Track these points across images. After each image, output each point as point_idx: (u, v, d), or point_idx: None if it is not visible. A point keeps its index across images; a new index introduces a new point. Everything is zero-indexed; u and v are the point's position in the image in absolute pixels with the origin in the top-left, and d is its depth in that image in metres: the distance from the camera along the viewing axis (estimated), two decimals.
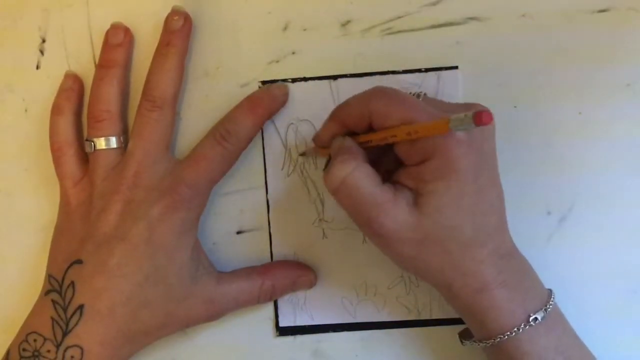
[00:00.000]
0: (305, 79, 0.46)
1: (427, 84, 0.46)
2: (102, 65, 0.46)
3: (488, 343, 0.40)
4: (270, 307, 0.47)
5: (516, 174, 0.45)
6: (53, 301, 0.42)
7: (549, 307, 0.40)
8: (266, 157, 0.47)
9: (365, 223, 0.39)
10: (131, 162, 0.44)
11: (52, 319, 0.42)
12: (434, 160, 0.38)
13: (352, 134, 0.41)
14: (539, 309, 0.39)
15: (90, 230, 0.43)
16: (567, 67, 0.46)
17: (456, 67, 0.46)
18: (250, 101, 0.45)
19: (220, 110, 0.46)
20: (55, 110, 0.46)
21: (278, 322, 0.47)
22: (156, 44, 0.45)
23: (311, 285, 0.47)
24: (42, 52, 0.48)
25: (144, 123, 0.44)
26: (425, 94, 0.41)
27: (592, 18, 0.45)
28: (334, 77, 0.46)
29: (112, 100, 0.45)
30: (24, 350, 0.42)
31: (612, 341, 0.42)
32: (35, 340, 0.42)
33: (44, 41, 0.48)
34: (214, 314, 0.45)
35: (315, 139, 0.43)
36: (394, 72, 0.46)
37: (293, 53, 0.47)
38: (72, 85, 0.46)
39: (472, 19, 0.46)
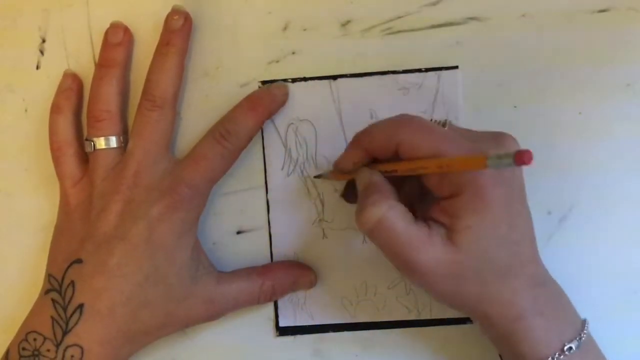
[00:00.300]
0: (305, 79, 0.46)
1: (427, 84, 0.46)
2: (102, 65, 0.46)
3: None
4: (270, 307, 0.47)
5: None
6: (53, 300, 0.42)
7: (583, 336, 0.39)
8: (266, 157, 0.47)
9: (403, 262, 0.39)
10: (131, 162, 0.44)
11: (52, 318, 0.42)
12: (466, 195, 0.37)
13: (374, 160, 0.41)
14: (573, 337, 0.39)
15: (90, 230, 0.43)
16: (567, 67, 0.46)
17: (456, 67, 0.46)
18: (250, 101, 0.45)
19: (220, 110, 0.46)
20: (55, 109, 0.46)
21: (278, 322, 0.47)
22: (156, 44, 0.45)
23: (311, 285, 0.47)
24: (42, 52, 0.48)
25: (144, 123, 0.44)
26: (450, 122, 0.41)
27: (592, 18, 0.45)
28: (334, 77, 0.46)
29: (112, 99, 0.45)
30: (23, 349, 0.42)
31: (612, 341, 0.42)
32: (35, 340, 0.42)
33: (44, 41, 0.48)
34: (214, 314, 0.45)
35: (337, 165, 0.43)
36: (394, 72, 0.46)
37: (293, 53, 0.47)
38: (71, 85, 0.46)
39: (472, 19, 0.46)
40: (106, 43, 0.46)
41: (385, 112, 0.45)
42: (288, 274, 0.46)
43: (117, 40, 0.46)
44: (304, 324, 0.47)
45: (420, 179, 0.40)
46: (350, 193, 0.45)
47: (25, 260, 0.48)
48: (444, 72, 0.46)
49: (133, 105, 0.47)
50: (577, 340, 0.39)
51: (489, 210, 0.37)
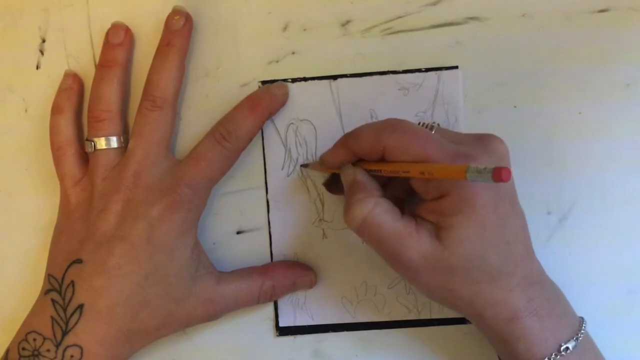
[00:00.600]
0: (305, 79, 0.46)
1: (427, 84, 0.46)
2: (103, 65, 0.46)
3: None
4: (270, 307, 0.47)
5: (516, 174, 0.44)
6: (53, 300, 0.42)
7: (580, 336, 0.39)
8: (266, 157, 0.47)
9: (392, 257, 0.39)
10: (131, 162, 0.44)
11: (52, 318, 0.42)
12: (451, 197, 0.38)
13: (361, 159, 0.41)
14: (570, 337, 0.39)
15: (90, 229, 0.43)
16: (567, 67, 0.46)
17: (456, 67, 0.46)
18: (250, 101, 0.45)
19: (220, 110, 0.46)
20: (56, 109, 0.46)
21: (278, 322, 0.47)
22: (156, 44, 0.45)
23: (311, 285, 0.47)
24: (42, 52, 0.48)
25: (144, 123, 0.44)
26: (438, 125, 0.41)
27: (592, 18, 0.45)
28: (334, 77, 0.46)
29: (112, 99, 0.45)
30: (23, 349, 0.42)
31: (612, 341, 0.42)
32: (34, 340, 0.42)
33: (44, 41, 0.48)
34: (214, 313, 0.45)
35: (323, 161, 0.43)
36: (394, 72, 0.46)
37: (293, 53, 0.47)
38: (72, 85, 0.47)
39: (472, 19, 0.46)
40: (107, 43, 0.46)
41: (385, 112, 0.46)
42: (288, 274, 0.46)
43: (118, 41, 0.46)
44: (304, 324, 0.47)
45: (407, 178, 0.40)
46: (332, 184, 0.46)
47: (25, 260, 0.48)
48: (444, 72, 0.46)
49: (133, 106, 0.47)
50: (574, 340, 0.39)
51: (475, 212, 0.37)
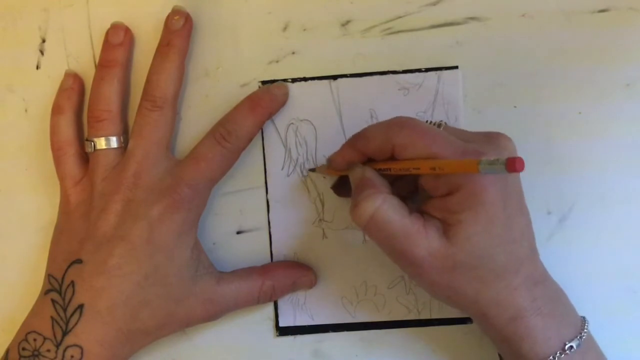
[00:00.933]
0: (305, 79, 0.46)
1: (427, 84, 0.46)
2: (103, 65, 0.46)
3: None
4: (270, 307, 0.47)
5: None
6: (53, 301, 0.42)
7: (583, 335, 0.40)
8: (266, 157, 0.47)
9: (398, 254, 0.39)
10: (131, 162, 0.44)
11: (52, 318, 0.42)
12: (460, 193, 0.38)
13: (369, 159, 0.41)
14: (573, 336, 0.39)
15: (90, 230, 0.43)
16: (567, 67, 0.46)
17: (456, 67, 0.46)
18: (250, 101, 0.45)
19: (220, 110, 0.46)
20: (56, 109, 0.46)
21: (278, 322, 0.47)
22: (156, 44, 0.45)
23: (311, 285, 0.47)
24: (42, 52, 0.48)
25: (144, 123, 0.44)
26: (445, 123, 0.41)
27: (592, 18, 0.45)
28: (334, 77, 0.46)
29: (112, 99, 0.45)
30: (23, 349, 0.42)
31: (612, 341, 0.42)
32: (35, 340, 0.42)
33: (44, 41, 0.48)
34: (214, 314, 0.45)
35: (331, 163, 0.43)
36: (394, 72, 0.46)
37: (293, 53, 0.47)
38: (73, 85, 0.47)
39: (472, 19, 0.46)
40: (107, 43, 0.46)
41: (385, 112, 0.46)
42: (288, 274, 0.46)
43: (118, 41, 0.46)
44: (304, 324, 0.47)
45: (415, 176, 0.40)
46: (340, 187, 0.46)
47: (25, 260, 0.48)
48: (444, 72, 0.46)
49: (133, 106, 0.47)
50: (578, 339, 0.39)
51: (484, 209, 0.37)
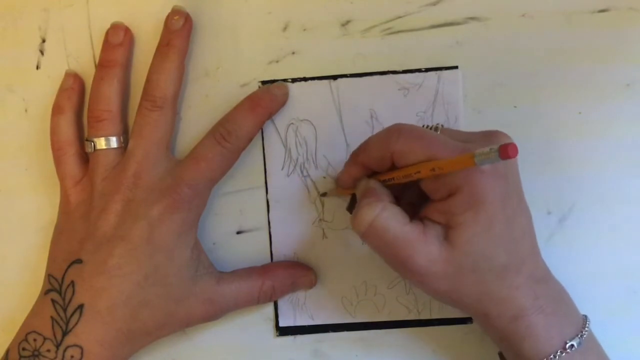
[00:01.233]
0: (305, 79, 0.46)
1: (427, 84, 0.46)
2: (103, 65, 0.46)
3: None
4: (270, 307, 0.47)
5: None
6: (53, 301, 0.42)
7: (584, 333, 0.40)
8: (266, 157, 0.47)
9: (399, 263, 0.39)
10: (131, 162, 0.44)
11: (52, 318, 0.42)
12: (461, 194, 0.38)
13: (374, 173, 0.42)
14: (574, 335, 0.39)
15: (90, 230, 0.43)
16: (567, 67, 0.46)
17: (456, 67, 0.46)
18: (250, 101, 0.45)
19: (220, 110, 0.46)
20: (56, 109, 0.46)
21: (278, 322, 0.47)
22: (156, 44, 0.45)
23: (311, 285, 0.47)
24: (42, 52, 0.48)
25: (144, 123, 0.44)
26: (442, 125, 0.41)
27: (592, 18, 0.45)
28: (334, 77, 0.46)
29: (112, 99, 0.45)
30: (23, 349, 0.42)
31: (612, 340, 0.42)
32: (35, 340, 0.42)
33: (44, 41, 0.48)
34: (214, 314, 0.45)
35: (338, 182, 0.44)
36: (394, 72, 0.46)
37: (293, 53, 0.47)
38: (73, 85, 0.47)
39: (472, 19, 0.46)
40: (107, 43, 0.46)
41: (385, 112, 0.46)
42: (288, 274, 0.46)
43: (118, 41, 0.46)
44: (304, 324, 0.47)
45: (419, 184, 0.40)
46: (354, 206, 0.45)
47: (25, 260, 0.48)
48: (444, 72, 0.46)
49: (133, 106, 0.47)
50: (579, 338, 0.39)
51: (484, 208, 0.37)
